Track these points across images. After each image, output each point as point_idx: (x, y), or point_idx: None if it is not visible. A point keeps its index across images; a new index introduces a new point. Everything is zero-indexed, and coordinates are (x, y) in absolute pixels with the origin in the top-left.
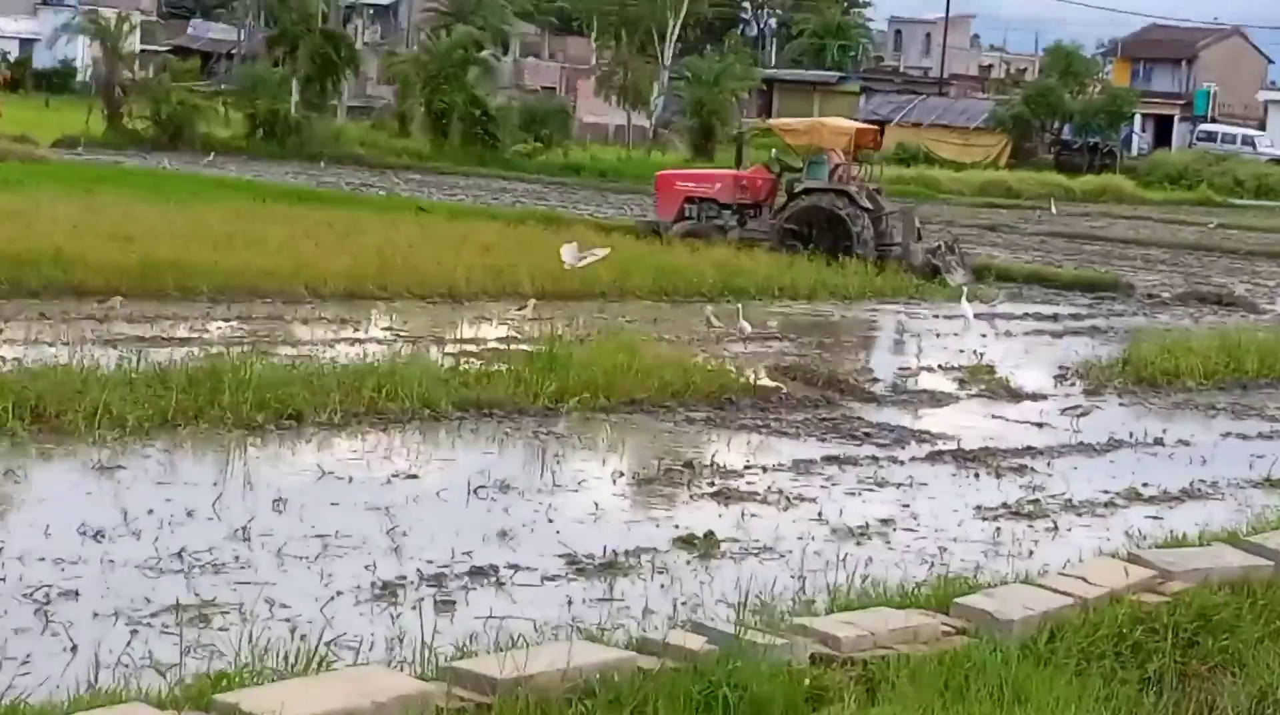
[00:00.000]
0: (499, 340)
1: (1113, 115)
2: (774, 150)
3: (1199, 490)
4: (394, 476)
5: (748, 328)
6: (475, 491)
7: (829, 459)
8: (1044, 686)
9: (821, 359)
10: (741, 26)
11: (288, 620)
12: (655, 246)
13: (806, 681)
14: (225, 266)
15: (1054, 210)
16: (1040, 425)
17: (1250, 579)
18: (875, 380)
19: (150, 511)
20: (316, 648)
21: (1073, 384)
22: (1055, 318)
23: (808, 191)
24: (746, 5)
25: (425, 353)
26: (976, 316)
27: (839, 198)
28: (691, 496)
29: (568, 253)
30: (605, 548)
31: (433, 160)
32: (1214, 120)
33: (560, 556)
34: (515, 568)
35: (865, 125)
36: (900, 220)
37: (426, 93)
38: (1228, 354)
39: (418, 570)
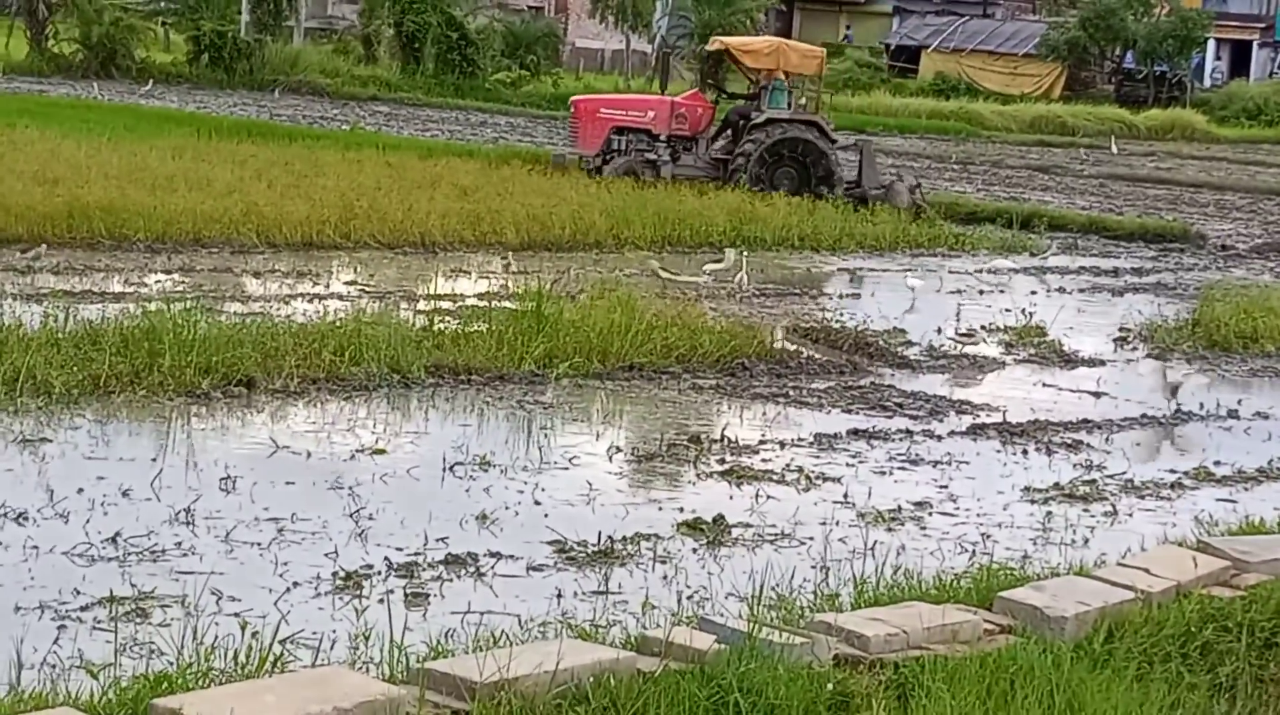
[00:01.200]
0: (478, 296)
1: (1182, 40)
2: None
3: (1278, 470)
4: (358, 452)
5: (746, 282)
6: (451, 469)
7: (856, 433)
8: (1100, 693)
9: (847, 318)
10: None
11: (237, 615)
12: (659, 190)
13: (829, 686)
14: (165, 211)
15: (1115, 149)
16: (1098, 395)
17: None
18: (909, 343)
19: (80, 491)
20: (270, 646)
21: (1135, 348)
22: (1115, 272)
23: (771, 123)
24: None
25: (394, 310)
26: (1026, 270)
27: (809, 129)
28: (698, 475)
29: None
30: (600, 534)
31: (403, 90)
32: None
33: (548, 543)
34: (497, 556)
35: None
36: (857, 156)
37: (396, 12)
38: None
39: (386, 559)
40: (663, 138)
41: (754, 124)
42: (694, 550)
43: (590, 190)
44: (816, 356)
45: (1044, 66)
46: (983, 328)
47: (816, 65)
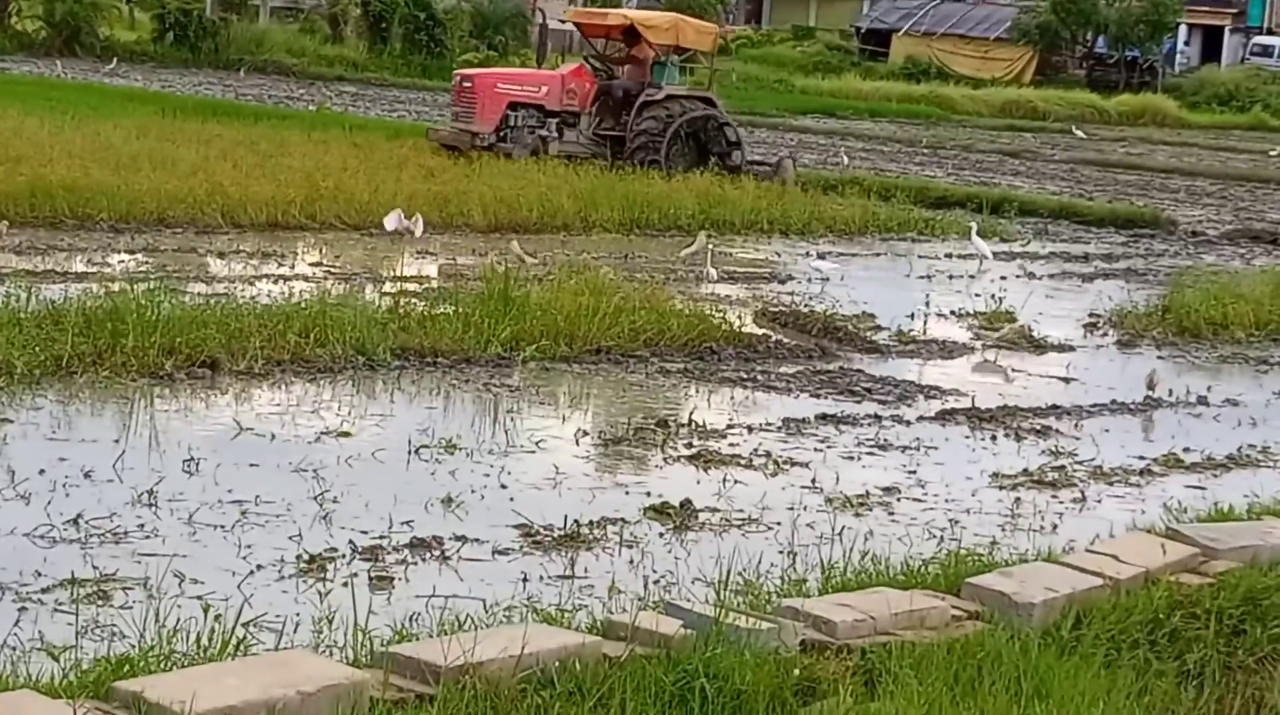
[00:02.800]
0: (445, 278)
1: (1153, 25)
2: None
3: (1248, 456)
4: (323, 434)
5: (714, 273)
6: (417, 452)
7: (824, 418)
8: (1068, 679)
9: (815, 302)
10: None
11: (200, 598)
12: (628, 173)
13: (796, 672)
14: (129, 191)
15: (1080, 134)
16: (1067, 381)
17: None
18: (878, 328)
19: (41, 472)
20: (233, 629)
21: (1105, 334)
22: (1086, 258)
23: (670, 99)
24: None
25: (360, 292)
26: (996, 255)
27: (706, 105)
28: (666, 460)
29: (390, 219)
30: (566, 518)
31: (370, 70)
32: (1270, 32)
33: (514, 527)
34: (462, 540)
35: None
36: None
37: None
38: None
39: (350, 542)
40: (559, 113)
41: (652, 101)
42: (661, 535)
43: (558, 172)
44: (785, 341)
45: (1015, 50)
46: (952, 313)
47: (711, 41)
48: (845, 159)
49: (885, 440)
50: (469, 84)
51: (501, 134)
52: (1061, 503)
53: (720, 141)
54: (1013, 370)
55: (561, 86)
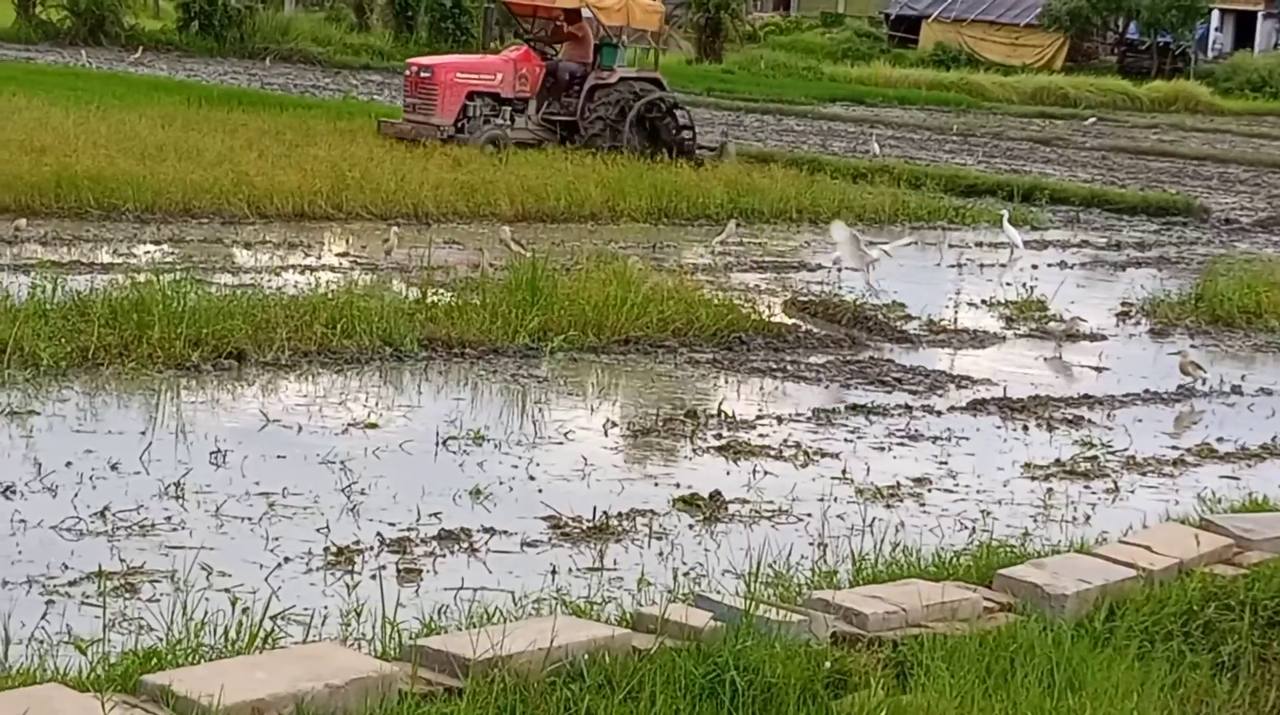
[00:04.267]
0: (473, 268)
1: (1186, 11)
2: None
3: None
4: (350, 426)
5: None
6: (444, 443)
7: (854, 408)
8: (1101, 671)
9: (845, 292)
10: None
11: (227, 591)
12: (657, 162)
13: (827, 664)
14: (155, 181)
15: (1092, 120)
16: (1099, 370)
17: None
18: (908, 317)
19: (68, 464)
20: (261, 622)
21: (1137, 322)
22: (1118, 246)
23: (623, 82)
24: None
25: (387, 282)
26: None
27: (655, 86)
28: (695, 451)
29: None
30: (595, 509)
31: (396, 59)
32: None
33: (542, 519)
34: (491, 532)
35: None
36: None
37: None
38: None
39: (378, 534)
40: (513, 100)
41: (604, 84)
42: (690, 526)
43: (586, 161)
44: (815, 330)
45: (1046, 37)
46: (983, 302)
47: (657, 20)
48: (876, 147)
49: (916, 431)
50: (427, 75)
51: (459, 125)
52: (1094, 493)
53: (672, 124)
54: (1080, 365)
55: (514, 72)
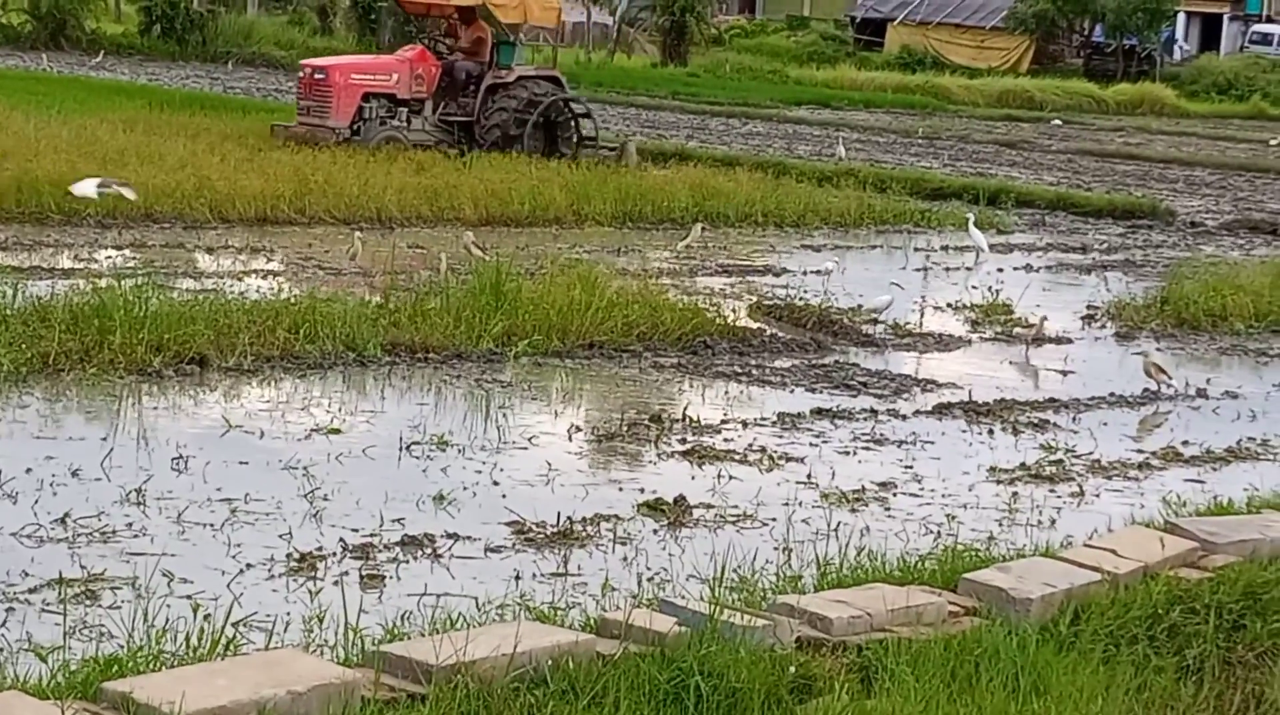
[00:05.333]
0: (435, 272)
1: (1151, 13)
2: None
3: (1248, 450)
4: (313, 431)
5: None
6: (408, 449)
7: (819, 412)
8: (1066, 675)
9: (810, 296)
10: None
11: (189, 597)
12: (621, 165)
13: (792, 669)
14: None
15: (1057, 122)
16: (1065, 373)
17: None
18: (874, 321)
19: (28, 471)
20: (223, 629)
21: (1103, 326)
22: (1083, 249)
23: (521, 81)
24: None
25: (349, 287)
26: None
27: (554, 85)
28: (659, 455)
29: (82, 186)
30: (559, 515)
31: None
32: (1270, 20)
33: (506, 524)
34: (454, 537)
35: None
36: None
37: None
38: None
39: (341, 540)
40: (410, 101)
41: (502, 84)
42: (655, 531)
43: (550, 165)
44: (780, 334)
45: (1011, 40)
46: (949, 305)
47: (555, 17)
48: (842, 151)
49: (881, 435)
50: (322, 77)
51: (354, 127)
52: (1059, 497)
53: (570, 122)
54: (1046, 368)
55: (410, 73)
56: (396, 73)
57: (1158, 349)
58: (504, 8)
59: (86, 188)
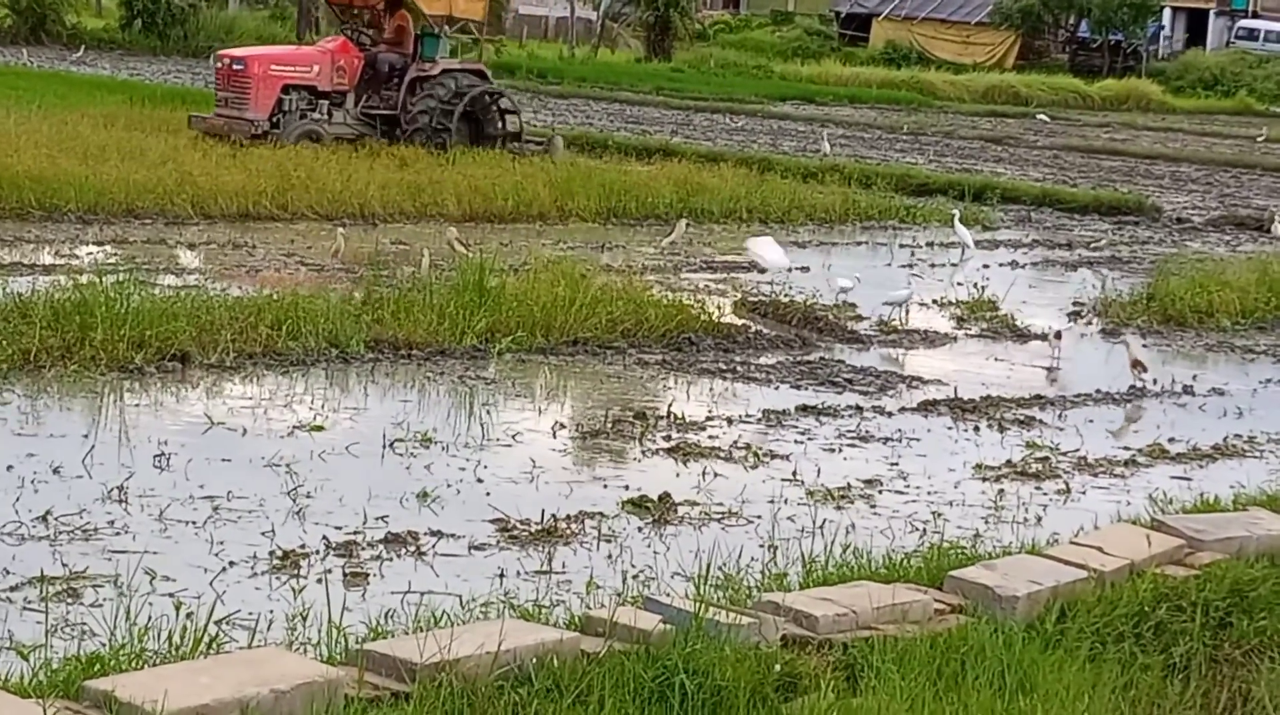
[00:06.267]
0: (420, 270)
1: (1137, 9)
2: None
3: (1234, 447)
4: (296, 428)
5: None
6: (391, 446)
7: (804, 409)
8: (1053, 673)
9: (795, 292)
10: None
11: (172, 595)
12: (605, 161)
13: (777, 667)
14: (97, 182)
15: (1044, 118)
16: (1051, 368)
17: None
18: (859, 317)
19: (9, 468)
20: (205, 627)
21: (1089, 322)
22: (1069, 245)
23: (446, 73)
24: None
25: (332, 283)
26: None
27: (480, 78)
28: (644, 452)
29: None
30: (543, 512)
31: None
32: (1256, 15)
33: (490, 522)
34: (438, 535)
35: None
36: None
37: None
38: (1269, 289)
39: (324, 537)
40: (331, 94)
41: (426, 76)
42: (639, 529)
43: (534, 161)
44: (765, 331)
45: (997, 35)
46: (934, 302)
47: (481, 9)
48: (827, 146)
49: (867, 432)
50: (240, 68)
51: (274, 119)
52: (1045, 494)
53: (496, 116)
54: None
55: (331, 64)
56: (317, 64)
57: (1144, 346)
58: None
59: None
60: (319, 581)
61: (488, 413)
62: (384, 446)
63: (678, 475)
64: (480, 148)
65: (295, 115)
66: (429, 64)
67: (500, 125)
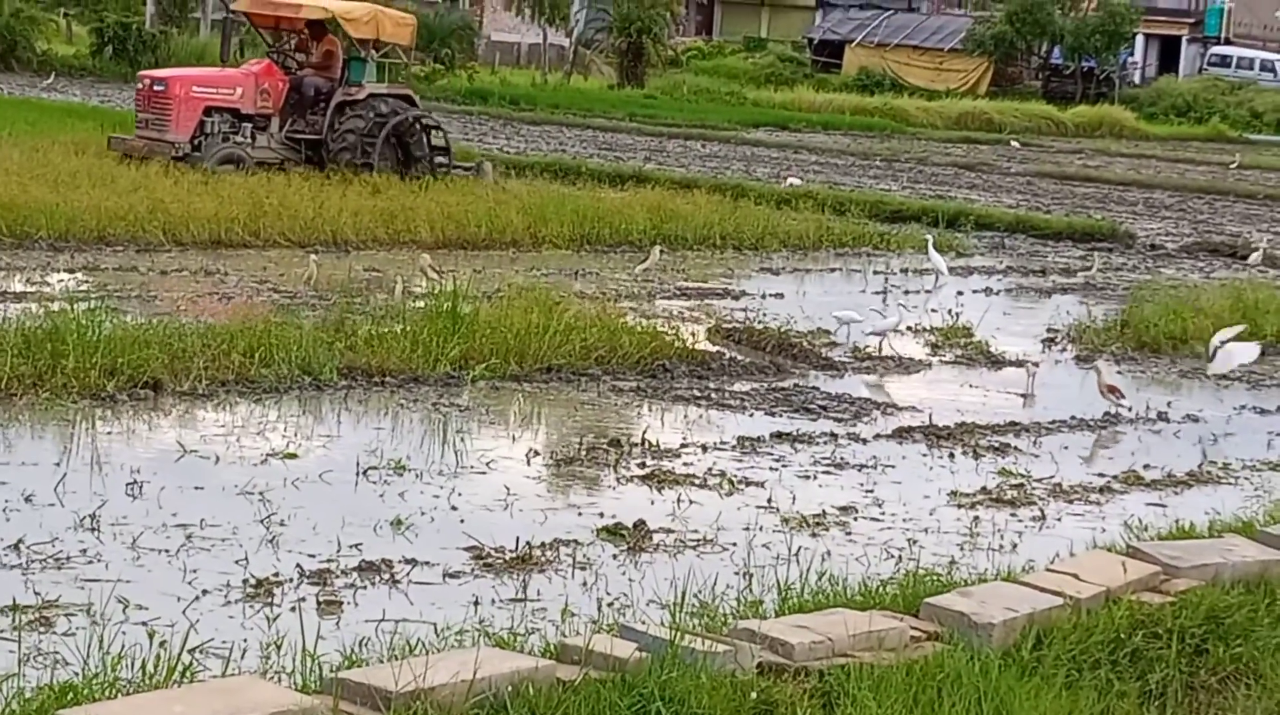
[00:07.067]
0: (392, 296)
1: (1110, 35)
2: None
3: (1209, 473)
4: (269, 456)
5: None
6: (365, 473)
7: (779, 436)
8: (1029, 700)
9: (770, 319)
10: None
11: (145, 624)
12: (578, 187)
13: (753, 695)
14: (68, 208)
15: (1016, 144)
16: (1025, 396)
17: (1268, 576)
18: (833, 344)
19: None
20: (179, 656)
21: (1063, 349)
22: (1043, 272)
23: (373, 98)
24: None
25: (305, 310)
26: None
27: (407, 104)
28: (619, 480)
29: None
30: (518, 540)
31: None
32: (1228, 42)
33: (465, 550)
34: (412, 562)
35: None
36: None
37: None
38: (1243, 315)
39: (298, 565)
40: (254, 117)
41: (352, 100)
42: (614, 556)
43: (508, 188)
44: (739, 358)
45: (970, 62)
46: (909, 328)
47: (409, 34)
48: (797, 181)
49: (842, 458)
50: (161, 88)
51: (195, 142)
52: (1021, 521)
53: (423, 141)
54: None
55: (255, 87)
56: (241, 87)
57: (1119, 372)
58: (355, 23)
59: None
60: (293, 610)
61: (461, 440)
62: (357, 474)
63: (652, 502)
64: (408, 174)
65: (217, 138)
66: (355, 88)
67: (427, 150)
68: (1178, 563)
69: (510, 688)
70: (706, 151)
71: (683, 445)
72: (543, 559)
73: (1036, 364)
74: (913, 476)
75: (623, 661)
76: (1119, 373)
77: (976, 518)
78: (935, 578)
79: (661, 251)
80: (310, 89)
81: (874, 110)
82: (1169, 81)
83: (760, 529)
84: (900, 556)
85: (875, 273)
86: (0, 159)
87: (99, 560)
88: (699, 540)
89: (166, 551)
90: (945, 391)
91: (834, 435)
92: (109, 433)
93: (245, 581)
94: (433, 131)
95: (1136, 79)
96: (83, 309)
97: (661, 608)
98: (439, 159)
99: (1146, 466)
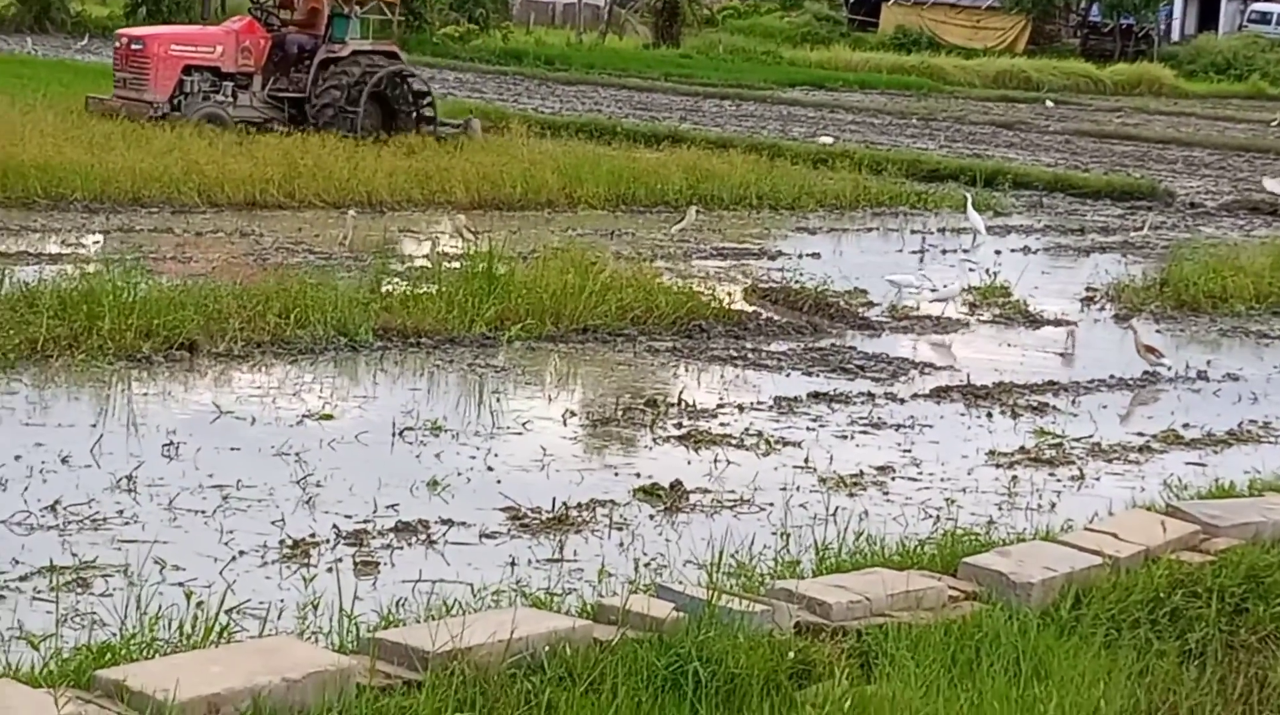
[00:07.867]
0: (428, 257)
1: None
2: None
3: (1249, 432)
4: (305, 417)
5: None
6: (401, 434)
7: (816, 396)
8: (1068, 660)
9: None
10: None
11: (182, 584)
12: (614, 147)
13: (791, 654)
14: (103, 170)
15: (1050, 103)
16: (1064, 355)
17: None
18: (870, 303)
19: (17, 458)
20: (216, 616)
21: (1102, 308)
22: (1081, 231)
23: (356, 55)
24: None
25: (341, 271)
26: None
27: (391, 59)
28: (655, 440)
29: None
30: (554, 500)
31: None
32: None
33: (501, 510)
34: (449, 523)
35: None
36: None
37: None
38: None
39: (334, 526)
40: (235, 75)
41: (335, 58)
42: (651, 517)
43: (543, 148)
44: (776, 318)
45: (1008, 19)
46: (946, 287)
47: None
48: (828, 140)
49: (879, 418)
50: (139, 47)
51: (175, 101)
52: (1059, 480)
53: (408, 97)
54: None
55: (236, 45)
56: (221, 45)
57: (1157, 332)
58: None
59: None
60: (329, 570)
61: (497, 401)
62: (394, 435)
63: (689, 463)
64: (394, 132)
65: (197, 97)
66: (339, 45)
67: (413, 107)
68: (1217, 522)
69: (547, 648)
70: (742, 111)
71: (719, 405)
72: (579, 519)
73: (1076, 323)
74: (950, 436)
75: (660, 621)
76: (1157, 332)
77: (1015, 477)
78: (973, 537)
79: (698, 211)
80: (293, 46)
81: (911, 69)
82: (1208, 39)
83: (797, 489)
84: (938, 516)
85: (913, 232)
86: (35, 121)
87: (136, 521)
88: (736, 500)
89: (203, 512)
90: (983, 351)
91: (871, 395)
92: (145, 394)
93: (282, 542)
94: (416, 87)
95: (1179, 34)
96: (118, 270)
97: (699, 568)
98: (424, 117)
99: (1186, 426)
